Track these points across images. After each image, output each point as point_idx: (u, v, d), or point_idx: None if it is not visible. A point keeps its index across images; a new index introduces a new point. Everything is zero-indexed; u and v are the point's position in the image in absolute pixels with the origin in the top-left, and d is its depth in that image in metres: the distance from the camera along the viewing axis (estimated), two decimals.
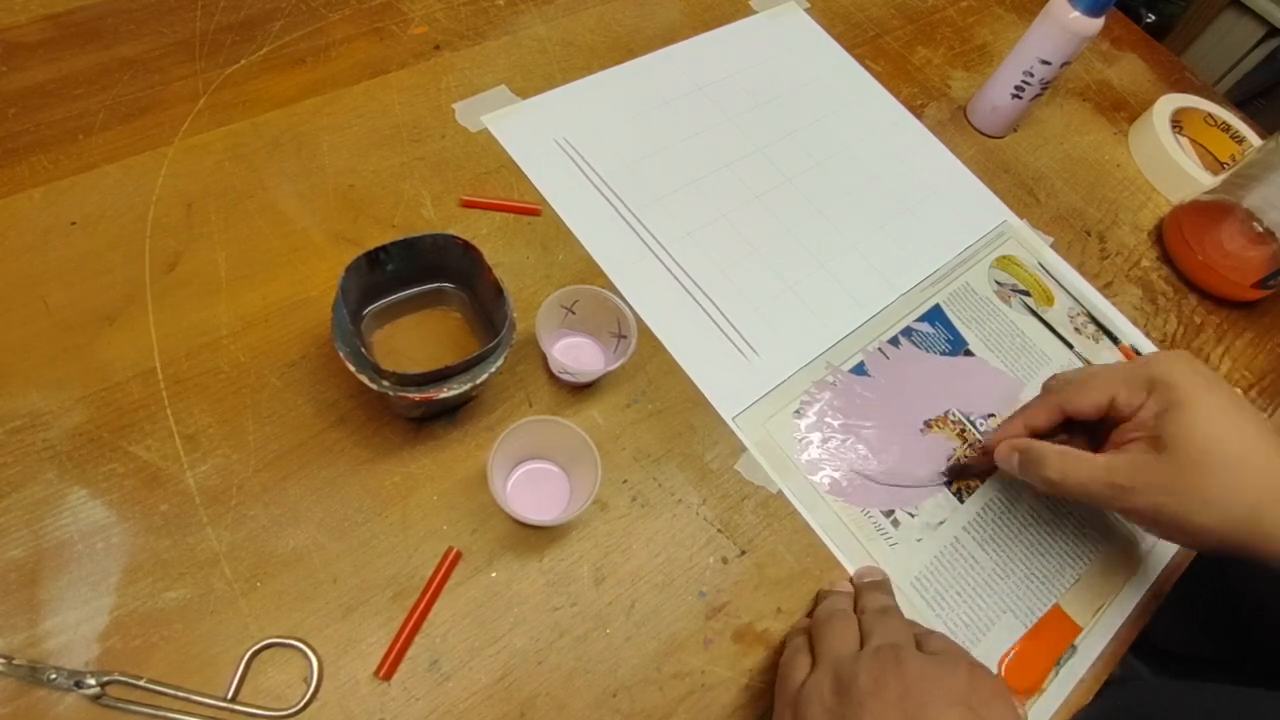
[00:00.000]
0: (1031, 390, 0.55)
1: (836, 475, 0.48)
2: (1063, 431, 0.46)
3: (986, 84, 0.67)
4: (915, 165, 0.65)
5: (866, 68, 0.70)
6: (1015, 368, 0.56)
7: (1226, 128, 0.73)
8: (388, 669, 0.38)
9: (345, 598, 0.39)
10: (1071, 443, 0.43)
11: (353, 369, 0.38)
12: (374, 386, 0.39)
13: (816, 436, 0.49)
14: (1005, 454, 0.45)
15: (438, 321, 0.47)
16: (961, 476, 0.45)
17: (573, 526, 0.43)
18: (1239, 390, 0.59)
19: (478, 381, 0.40)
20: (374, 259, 0.41)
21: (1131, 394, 0.41)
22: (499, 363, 0.41)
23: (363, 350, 0.39)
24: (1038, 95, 0.64)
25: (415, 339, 0.46)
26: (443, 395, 0.39)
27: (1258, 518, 0.37)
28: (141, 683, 0.35)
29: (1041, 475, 0.42)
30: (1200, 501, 0.37)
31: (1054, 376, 0.46)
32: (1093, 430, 0.44)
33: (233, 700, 0.36)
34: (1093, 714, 0.44)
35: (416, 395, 0.39)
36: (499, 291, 0.41)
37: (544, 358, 0.47)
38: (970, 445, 0.50)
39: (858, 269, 0.57)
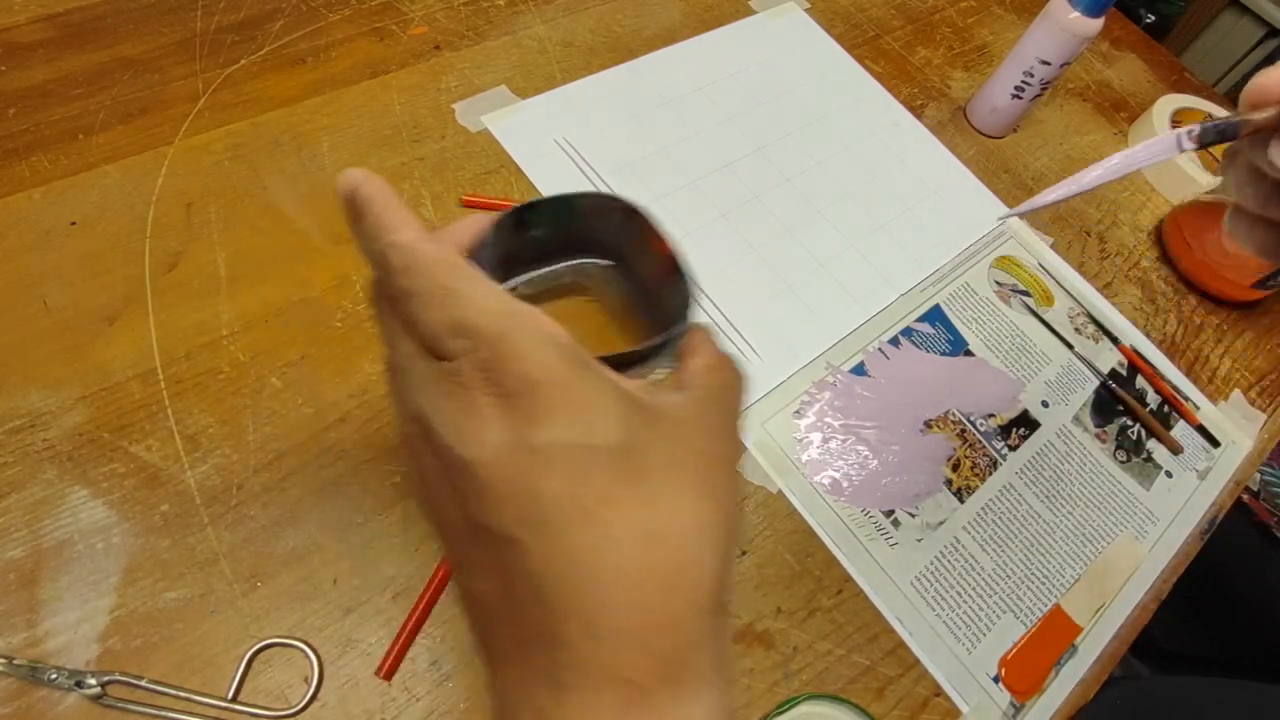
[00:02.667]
0: (1033, 389, 0.55)
1: (836, 475, 0.48)
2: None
3: (986, 84, 0.67)
4: (915, 165, 0.65)
5: (866, 68, 0.70)
6: (1015, 368, 0.56)
7: None
8: (388, 669, 0.38)
9: (345, 598, 0.39)
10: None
11: None
12: None
13: (816, 437, 0.49)
14: None
15: (575, 309, 0.36)
16: (1218, 140, 0.30)
17: None
18: None
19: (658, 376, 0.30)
20: (520, 219, 0.32)
21: None
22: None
23: None
24: (1038, 96, 0.64)
25: None
26: None
27: None
28: (142, 683, 0.35)
29: None
30: None
31: None
32: None
33: (233, 700, 0.36)
34: (1096, 709, 0.44)
35: None
36: (674, 268, 0.31)
37: None
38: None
39: (858, 269, 0.57)
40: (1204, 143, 0.29)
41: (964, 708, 0.43)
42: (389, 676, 0.38)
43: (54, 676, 0.34)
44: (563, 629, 0.19)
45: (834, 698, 0.39)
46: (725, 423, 0.23)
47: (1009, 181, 0.66)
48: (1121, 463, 0.54)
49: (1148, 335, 0.60)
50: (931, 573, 0.46)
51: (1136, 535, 0.51)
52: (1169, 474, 0.54)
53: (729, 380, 0.24)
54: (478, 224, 0.27)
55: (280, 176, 0.51)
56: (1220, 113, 0.73)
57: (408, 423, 0.22)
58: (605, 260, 0.35)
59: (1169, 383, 0.58)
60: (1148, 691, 0.49)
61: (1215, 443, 0.57)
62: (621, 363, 0.27)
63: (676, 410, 0.21)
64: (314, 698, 0.37)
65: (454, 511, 0.21)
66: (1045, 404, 0.55)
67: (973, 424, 0.53)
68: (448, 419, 0.20)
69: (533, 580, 0.19)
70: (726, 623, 0.21)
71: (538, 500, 0.19)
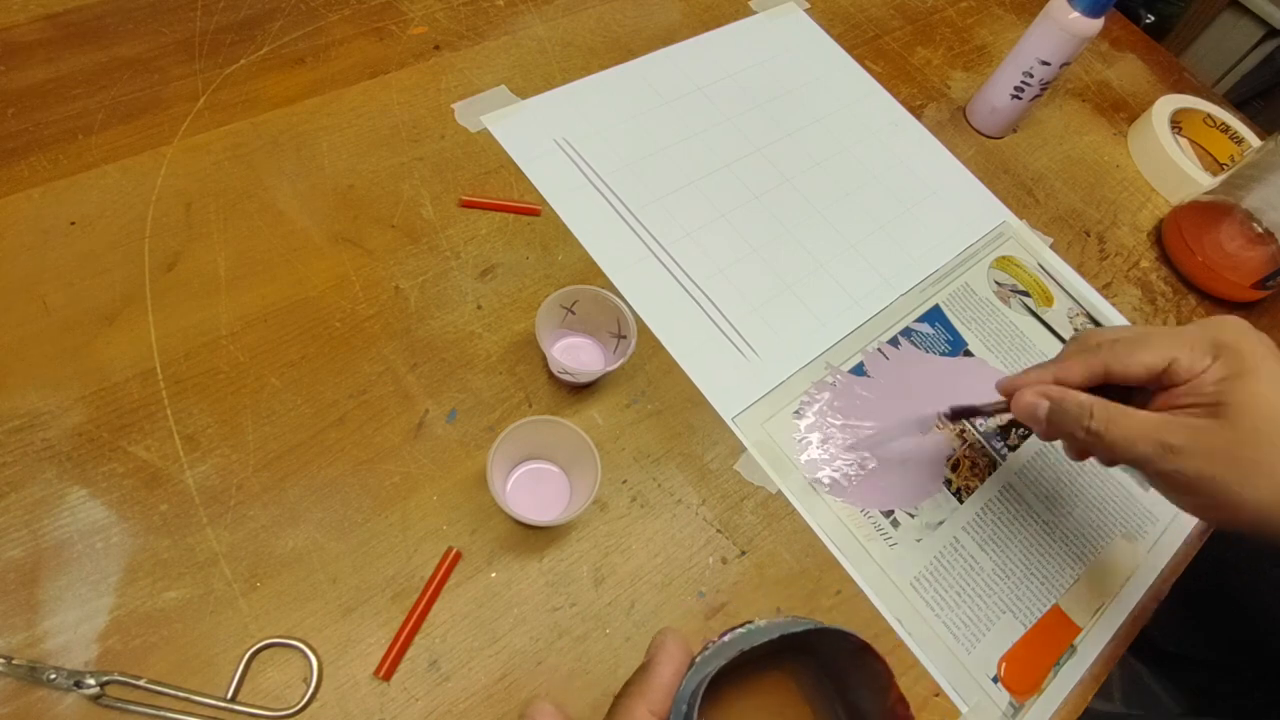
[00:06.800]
0: None
1: (836, 475, 0.48)
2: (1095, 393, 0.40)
3: (986, 84, 0.67)
4: (915, 165, 0.65)
5: (866, 68, 0.70)
6: (1015, 368, 0.56)
7: (1225, 128, 0.73)
8: (387, 669, 0.38)
9: (345, 598, 0.39)
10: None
11: None
12: None
13: (816, 437, 0.49)
14: (1030, 402, 0.40)
15: (768, 689, 0.34)
16: (966, 417, 0.40)
17: (573, 526, 0.43)
18: None
19: None
20: (740, 653, 0.29)
21: (1195, 359, 0.37)
22: None
23: None
24: (1037, 96, 0.64)
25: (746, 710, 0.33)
26: None
27: None
28: (141, 683, 0.35)
29: (1083, 425, 0.38)
30: (1251, 473, 0.34)
31: (1088, 332, 0.42)
32: (1124, 395, 0.40)
33: (232, 700, 0.36)
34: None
35: None
36: None
37: (544, 358, 0.47)
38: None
39: (858, 269, 0.57)
40: (955, 418, 0.43)
41: (963, 708, 0.43)
42: (388, 677, 0.38)
43: (53, 676, 0.35)
44: None
45: None
46: None
47: (1008, 181, 0.66)
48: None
49: None
50: (931, 573, 0.46)
51: (1135, 535, 0.51)
52: None
53: None
54: (682, 661, 0.29)
55: (280, 176, 0.51)
56: (1218, 112, 0.73)
57: None
58: (810, 660, 0.33)
59: None
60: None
61: None
62: None
63: None
64: (313, 698, 0.37)
65: None
66: None
67: (972, 424, 0.53)
68: None
69: None
70: None
71: None
